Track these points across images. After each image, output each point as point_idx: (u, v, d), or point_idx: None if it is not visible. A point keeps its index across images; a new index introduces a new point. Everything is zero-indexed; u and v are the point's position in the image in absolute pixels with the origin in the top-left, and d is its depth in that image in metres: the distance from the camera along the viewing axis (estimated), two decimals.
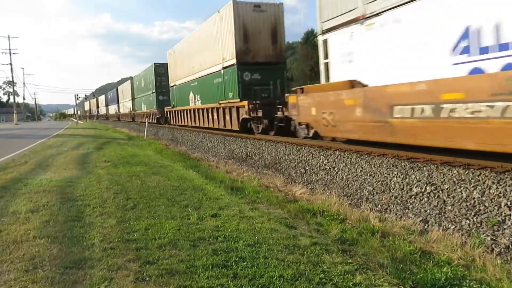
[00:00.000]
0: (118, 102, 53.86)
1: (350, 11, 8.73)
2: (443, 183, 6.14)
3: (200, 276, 3.30)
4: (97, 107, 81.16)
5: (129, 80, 43.83)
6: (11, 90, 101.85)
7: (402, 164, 7.28)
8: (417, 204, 6.02)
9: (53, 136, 25.39)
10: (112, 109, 60.68)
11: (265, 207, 5.83)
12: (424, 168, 6.76)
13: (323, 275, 3.32)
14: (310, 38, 43.42)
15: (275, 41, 15.23)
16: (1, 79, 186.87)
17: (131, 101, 43.26)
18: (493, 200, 5.29)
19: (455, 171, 6.24)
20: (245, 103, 14.14)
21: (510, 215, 4.90)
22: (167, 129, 26.70)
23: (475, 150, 6.00)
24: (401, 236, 4.64)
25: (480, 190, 5.57)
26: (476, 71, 5.97)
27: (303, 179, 8.85)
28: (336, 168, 8.56)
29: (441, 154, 6.88)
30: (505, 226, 4.75)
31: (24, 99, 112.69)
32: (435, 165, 6.69)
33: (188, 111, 22.73)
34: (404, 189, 6.57)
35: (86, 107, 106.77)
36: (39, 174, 8.90)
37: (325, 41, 9.85)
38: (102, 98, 74.21)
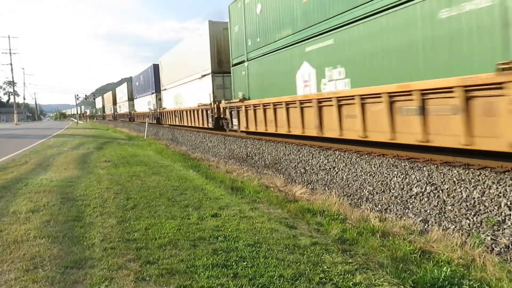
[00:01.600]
0: (155, 91, 29.31)
1: None
2: (443, 183, 6.14)
3: (200, 276, 3.30)
4: (114, 103, 59.18)
5: (194, 33, 19.35)
6: (11, 90, 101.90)
7: (402, 164, 7.28)
8: (417, 204, 6.03)
9: (53, 136, 25.40)
10: (143, 104, 34.67)
11: (265, 207, 5.83)
12: (424, 168, 6.76)
13: (323, 275, 3.33)
14: None
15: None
16: (1, 79, 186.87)
17: (199, 82, 18.33)
18: (493, 200, 5.29)
19: (455, 171, 6.24)
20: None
21: (510, 215, 4.91)
22: (167, 129, 26.60)
23: None
24: (401, 236, 4.64)
25: (480, 190, 5.57)
26: None
27: (303, 179, 8.85)
28: (336, 168, 8.57)
29: (441, 154, 6.88)
30: (505, 226, 4.76)
31: (24, 99, 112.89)
32: (435, 165, 6.69)
33: None
34: (404, 189, 6.57)
35: (98, 105, 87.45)
36: (39, 174, 8.90)
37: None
38: (122, 89, 49.50)
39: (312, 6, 9.16)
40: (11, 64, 69.39)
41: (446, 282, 3.27)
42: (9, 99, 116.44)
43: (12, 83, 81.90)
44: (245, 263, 3.57)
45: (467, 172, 6.10)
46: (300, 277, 3.28)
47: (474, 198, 5.49)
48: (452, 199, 5.72)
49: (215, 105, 16.44)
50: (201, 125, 18.55)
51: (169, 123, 25.18)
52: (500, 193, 5.33)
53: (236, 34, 13.99)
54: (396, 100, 6.88)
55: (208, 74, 17.03)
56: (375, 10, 7.17)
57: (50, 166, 10.39)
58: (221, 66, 16.71)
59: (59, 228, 4.71)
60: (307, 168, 9.38)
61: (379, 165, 7.67)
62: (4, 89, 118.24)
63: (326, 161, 9.16)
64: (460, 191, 5.76)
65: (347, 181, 7.83)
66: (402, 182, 6.76)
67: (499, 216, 4.96)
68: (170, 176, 8.43)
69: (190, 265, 3.53)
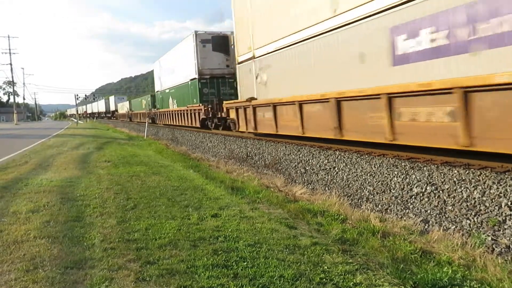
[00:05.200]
0: None
1: None
2: (444, 183, 6.13)
3: (200, 276, 3.30)
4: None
5: None
6: (11, 90, 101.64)
7: (403, 164, 7.27)
8: (417, 204, 6.02)
9: (53, 136, 25.38)
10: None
11: (265, 207, 5.83)
12: (425, 168, 6.75)
13: (324, 275, 3.32)
14: None
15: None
16: (1, 79, 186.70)
17: None
18: (493, 200, 5.29)
19: (455, 171, 6.24)
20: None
21: (510, 215, 4.90)
22: (167, 129, 26.64)
23: None
24: (401, 236, 4.63)
25: (480, 190, 5.56)
26: None
27: (303, 179, 8.84)
28: (336, 168, 8.56)
29: (441, 154, 6.87)
30: (505, 226, 4.75)
31: (24, 99, 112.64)
32: (436, 165, 6.69)
33: None
34: (405, 189, 6.56)
35: (162, 84, 29.72)
36: (39, 174, 8.89)
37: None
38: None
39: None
40: (11, 64, 69.24)
41: (447, 283, 3.27)
42: (9, 99, 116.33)
43: (12, 83, 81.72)
44: (245, 263, 3.56)
45: (467, 172, 6.09)
46: (300, 277, 3.28)
47: (474, 198, 5.49)
48: (452, 199, 5.72)
49: None
50: None
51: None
52: (500, 193, 5.33)
53: None
54: None
55: None
56: None
57: (50, 166, 10.38)
58: None
59: (59, 229, 4.70)
60: (307, 168, 9.37)
61: (379, 165, 7.66)
62: (4, 89, 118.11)
63: (326, 161, 9.16)
64: (461, 191, 5.75)
65: (347, 181, 7.83)
66: (403, 182, 6.75)
67: (499, 216, 4.95)
68: (170, 176, 8.42)
69: (190, 265, 3.53)
